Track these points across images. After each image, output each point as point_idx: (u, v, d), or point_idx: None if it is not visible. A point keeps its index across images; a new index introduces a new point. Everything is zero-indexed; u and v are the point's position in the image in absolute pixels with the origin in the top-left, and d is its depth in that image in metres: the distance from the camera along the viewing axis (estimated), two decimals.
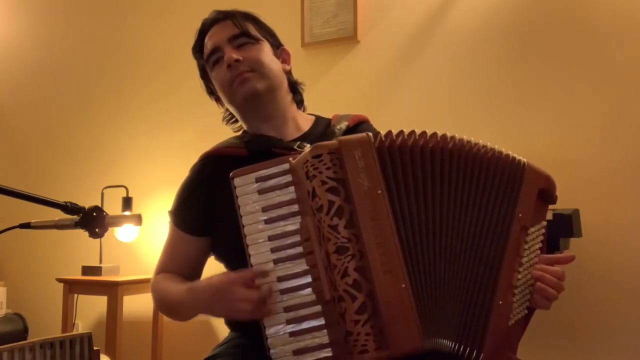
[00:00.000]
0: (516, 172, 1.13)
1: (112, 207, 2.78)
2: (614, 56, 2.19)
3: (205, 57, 1.36)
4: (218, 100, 1.43)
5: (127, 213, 2.83)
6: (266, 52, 1.34)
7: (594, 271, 2.14)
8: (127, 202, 2.86)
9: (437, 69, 2.49)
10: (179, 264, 1.34)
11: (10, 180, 3.25)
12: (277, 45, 1.39)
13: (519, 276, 1.11)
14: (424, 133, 1.10)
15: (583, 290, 2.15)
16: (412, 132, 1.09)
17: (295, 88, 1.42)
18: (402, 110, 2.53)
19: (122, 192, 2.89)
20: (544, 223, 1.16)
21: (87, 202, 1.30)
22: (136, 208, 2.93)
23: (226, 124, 1.47)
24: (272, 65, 1.33)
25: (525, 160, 1.15)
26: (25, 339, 2.85)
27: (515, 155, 1.14)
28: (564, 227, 1.87)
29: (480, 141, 1.13)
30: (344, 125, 1.33)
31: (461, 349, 1.07)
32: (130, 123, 3.21)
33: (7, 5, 3.69)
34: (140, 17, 3.25)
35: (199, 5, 3.07)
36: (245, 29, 1.33)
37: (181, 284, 1.24)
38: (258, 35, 1.35)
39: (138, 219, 1.55)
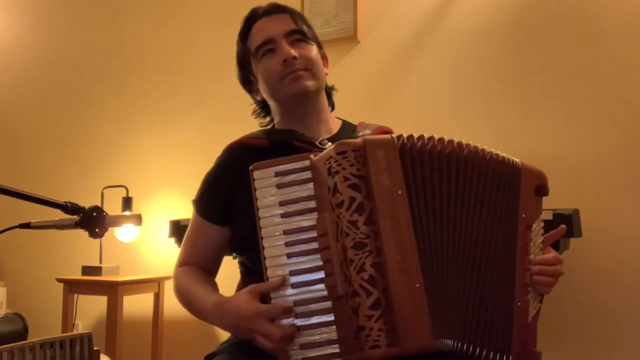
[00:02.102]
0: (514, 173, 1.16)
1: (112, 207, 2.78)
2: (614, 57, 2.20)
3: (256, 47, 1.35)
4: (251, 91, 1.43)
5: (127, 213, 2.83)
6: (316, 53, 1.36)
7: (594, 271, 2.15)
8: (127, 202, 2.86)
9: (437, 69, 2.49)
10: (200, 253, 1.35)
11: (10, 180, 3.25)
12: (320, 47, 1.41)
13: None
14: (442, 139, 1.12)
15: (583, 290, 2.15)
16: (432, 137, 1.12)
17: (329, 92, 1.44)
18: (402, 110, 2.53)
19: (122, 192, 2.89)
20: (542, 217, 1.18)
21: (87, 202, 1.30)
22: (136, 208, 2.93)
23: (255, 118, 1.48)
24: (321, 67, 1.36)
25: (519, 160, 1.18)
26: (25, 339, 2.86)
27: (510, 156, 1.17)
28: None
29: (486, 147, 1.15)
30: (367, 133, 1.34)
31: (484, 353, 1.08)
32: (130, 123, 3.21)
33: (8, 6, 3.69)
34: (141, 17, 3.25)
35: (200, 6, 3.08)
36: (301, 27, 1.35)
37: (207, 292, 1.25)
38: (310, 36, 1.37)
39: (138, 219, 1.55)
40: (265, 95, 1.39)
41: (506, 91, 2.36)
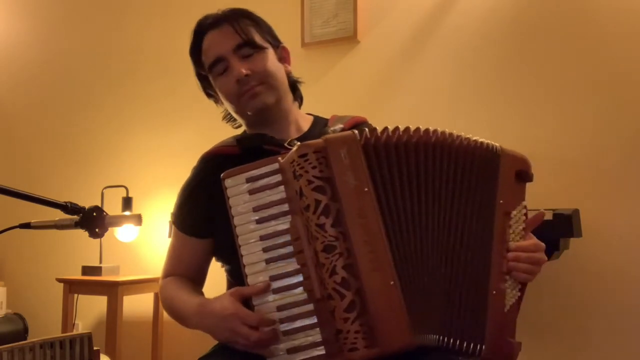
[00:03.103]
0: (492, 158, 1.14)
1: (112, 207, 2.78)
2: (614, 56, 2.20)
3: (208, 66, 1.32)
4: (217, 101, 1.41)
5: (127, 213, 2.83)
6: (271, 61, 1.31)
7: (594, 271, 2.14)
8: (127, 202, 2.86)
9: (436, 68, 2.49)
10: (185, 266, 1.34)
11: (11, 180, 3.25)
12: (276, 44, 1.36)
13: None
14: (407, 129, 1.10)
15: (583, 289, 2.15)
16: (396, 128, 1.10)
17: (295, 86, 1.41)
18: (402, 110, 2.53)
19: (122, 192, 2.89)
20: (524, 203, 1.16)
21: (87, 202, 1.30)
22: (136, 208, 2.93)
23: (226, 123, 1.46)
24: (278, 74, 1.32)
25: (498, 145, 1.15)
26: (25, 339, 2.86)
27: (489, 141, 1.15)
28: (564, 227, 1.87)
29: (455, 131, 1.13)
30: (338, 127, 1.32)
31: (457, 343, 1.07)
32: (130, 123, 3.21)
33: (8, 6, 3.69)
34: (140, 17, 3.25)
35: (199, 5, 3.07)
36: (249, 37, 1.29)
37: (191, 296, 1.24)
38: (262, 42, 1.31)
39: (138, 219, 1.55)
40: (229, 110, 1.37)
41: (506, 91, 2.36)
